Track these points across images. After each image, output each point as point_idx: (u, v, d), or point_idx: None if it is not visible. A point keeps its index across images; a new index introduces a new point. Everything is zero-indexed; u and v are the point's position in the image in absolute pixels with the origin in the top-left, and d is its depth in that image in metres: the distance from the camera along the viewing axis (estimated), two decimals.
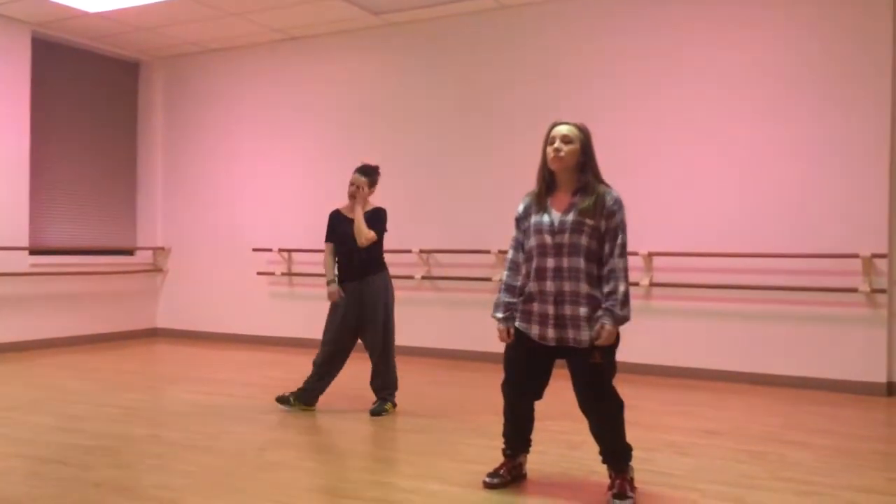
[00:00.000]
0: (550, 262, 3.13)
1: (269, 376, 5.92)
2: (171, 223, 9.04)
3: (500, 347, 6.92)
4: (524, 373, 3.31)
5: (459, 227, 7.19)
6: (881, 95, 5.68)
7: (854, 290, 5.66)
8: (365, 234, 4.80)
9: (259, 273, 8.25)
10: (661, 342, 6.38)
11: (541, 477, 3.48)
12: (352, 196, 4.92)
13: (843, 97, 5.80)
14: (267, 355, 7.35)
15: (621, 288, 3.13)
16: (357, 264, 4.87)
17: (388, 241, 7.51)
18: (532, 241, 3.21)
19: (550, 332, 3.17)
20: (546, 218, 3.19)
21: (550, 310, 3.15)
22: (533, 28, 6.97)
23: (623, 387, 5.78)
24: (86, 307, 8.24)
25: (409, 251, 7.34)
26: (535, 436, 3.86)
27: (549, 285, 3.14)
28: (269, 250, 8.19)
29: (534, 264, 3.18)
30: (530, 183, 6.89)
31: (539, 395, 3.36)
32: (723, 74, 6.21)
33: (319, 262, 7.92)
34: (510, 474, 3.35)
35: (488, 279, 7.02)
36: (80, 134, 8.47)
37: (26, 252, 7.68)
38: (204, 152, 8.83)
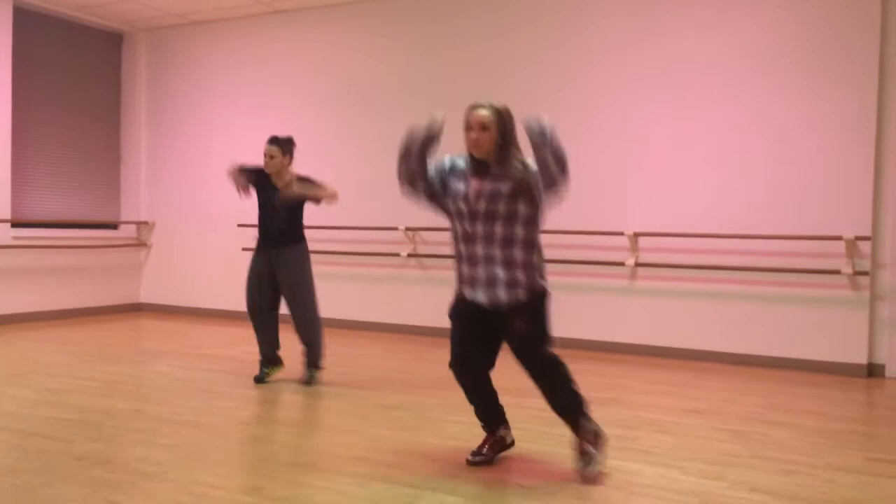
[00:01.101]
0: (474, 228, 3.16)
1: (252, 352, 5.89)
2: (155, 197, 8.96)
3: None
4: (467, 344, 3.30)
5: None
6: (866, 75, 5.68)
7: (837, 272, 5.70)
8: (330, 191, 4.90)
9: (244, 249, 8.18)
10: (646, 322, 6.42)
11: (518, 454, 3.49)
12: (267, 166, 4.96)
13: (827, 77, 5.81)
14: (250, 331, 7.31)
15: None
16: (275, 231, 4.98)
17: (375, 219, 7.55)
18: (453, 206, 3.24)
19: (480, 295, 3.18)
20: (462, 186, 3.23)
21: (480, 272, 3.17)
22: (532, 10, 6.92)
23: (607, 366, 5.87)
24: (69, 281, 8.18)
25: (395, 228, 7.32)
26: (517, 412, 3.88)
27: (475, 249, 3.17)
28: (254, 226, 8.12)
29: (459, 228, 3.22)
30: None
31: (490, 366, 3.34)
32: (705, 56, 6.19)
33: (325, 239, 7.91)
34: (493, 450, 3.37)
35: None
36: (63, 106, 8.35)
37: (8, 224, 7.59)
38: (188, 125, 8.74)
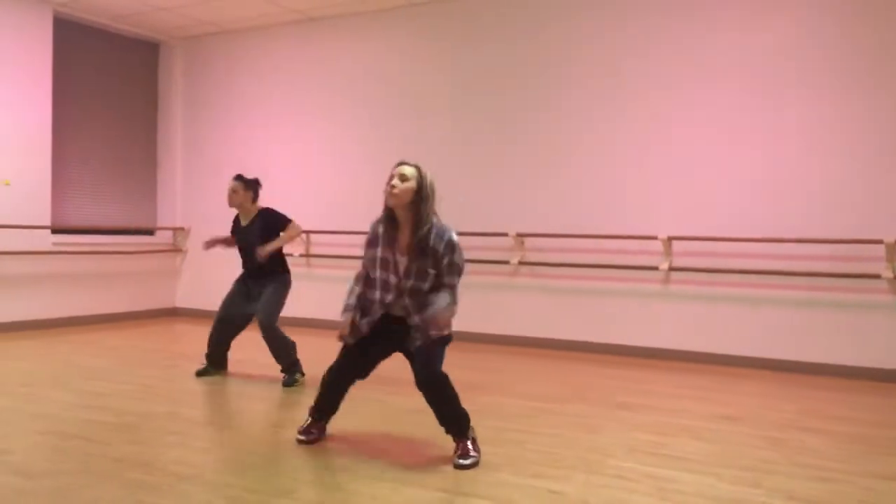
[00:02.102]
0: (390, 297, 3.52)
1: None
2: (190, 203, 9.10)
3: (520, 331, 6.92)
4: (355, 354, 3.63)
5: (477, 209, 7.17)
6: None
7: (877, 277, 5.59)
8: (293, 234, 5.30)
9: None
10: (679, 327, 6.35)
11: (553, 460, 3.48)
12: (230, 200, 5.36)
13: (864, 79, 5.70)
14: None
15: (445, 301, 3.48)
16: (256, 268, 5.27)
17: None
18: (378, 274, 3.55)
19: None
20: (390, 257, 3.53)
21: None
22: (560, 11, 6.90)
23: (640, 371, 5.82)
24: (106, 286, 8.33)
25: None
26: (550, 419, 3.88)
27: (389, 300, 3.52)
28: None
29: (378, 286, 3.56)
30: (552, 169, 6.88)
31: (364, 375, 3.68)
32: (740, 59, 6.12)
33: (338, 243, 7.99)
34: (320, 432, 3.76)
35: (506, 262, 7.01)
36: (101, 114, 8.53)
37: (48, 231, 7.76)
38: (223, 133, 8.86)
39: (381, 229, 3.56)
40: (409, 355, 3.55)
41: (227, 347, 5.41)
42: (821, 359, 5.81)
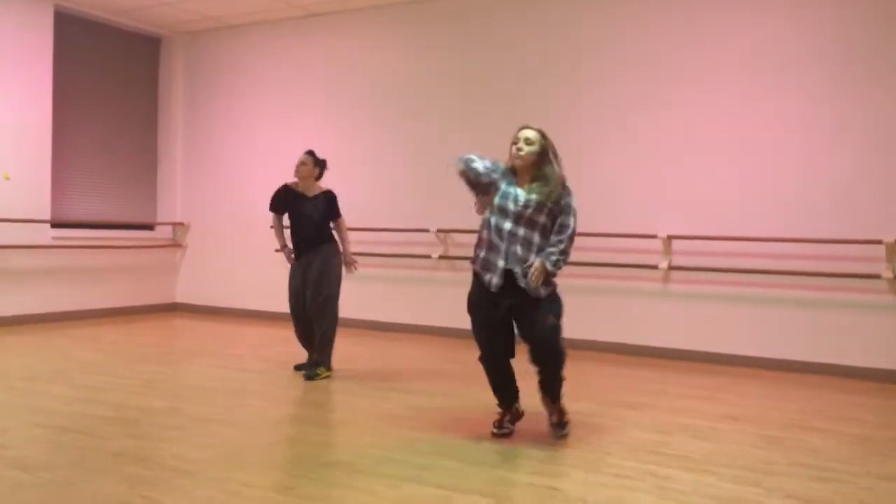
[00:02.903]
0: (508, 226, 3.61)
1: (285, 352, 5.95)
2: (190, 199, 9.09)
3: (515, 328, 6.88)
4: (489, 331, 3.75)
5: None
6: None
7: (877, 277, 5.58)
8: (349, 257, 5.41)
9: (277, 250, 8.27)
10: (680, 326, 6.34)
11: (553, 458, 3.47)
12: (298, 171, 5.38)
13: (865, 79, 5.69)
14: (283, 332, 7.37)
15: (562, 245, 3.71)
16: (307, 238, 5.28)
17: (406, 221, 7.56)
18: (499, 202, 3.66)
19: (496, 280, 3.60)
20: (513, 191, 3.67)
21: (500, 263, 3.61)
22: (563, 10, 6.89)
23: (640, 370, 5.81)
24: (106, 281, 8.32)
25: (426, 230, 7.34)
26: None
27: (504, 245, 3.60)
28: (287, 227, 8.20)
29: (493, 222, 3.65)
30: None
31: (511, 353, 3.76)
32: (740, 59, 6.11)
33: None
34: (513, 422, 3.85)
35: None
36: (102, 109, 8.51)
37: (48, 225, 7.75)
38: (223, 128, 8.85)
39: (503, 183, 3.69)
40: (519, 315, 3.63)
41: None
42: (823, 359, 5.80)
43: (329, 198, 5.39)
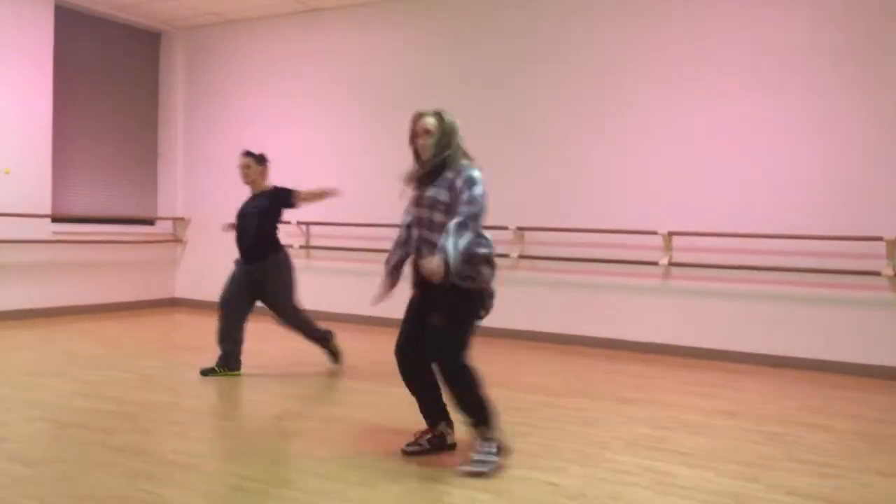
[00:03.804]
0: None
1: (284, 347, 5.96)
2: (191, 194, 9.08)
3: (520, 324, 6.88)
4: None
5: None
6: None
7: (877, 274, 5.58)
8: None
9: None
10: (679, 322, 6.34)
11: (552, 453, 3.48)
12: (244, 177, 5.23)
13: (866, 76, 5.68)
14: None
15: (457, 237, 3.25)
16: (248, 246, 5.09)
17: (397, 217, 7.54)
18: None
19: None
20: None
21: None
22: (561, 3, 6.88)
23: (639, 366, 5.82)
24: (106, 276, 8.32)
25: None
26: (549, 412, 3.86)
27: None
28: (288, 223, 8.18)
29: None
30: (552, 162, 6.84)
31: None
32: (742, 54, 6.09)
33: (337, 235, 7.97)
34: (432, 444, 3.35)
35: (506, 255, 7.00)
36: (102, 104, 8.50)
37: (49, 220, 7.75)
38: (224, 123, 8.84)
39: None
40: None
41: (240, 341, 5.08)
42: (823, 356, 5.80)
43: (272, 192, 5.18)
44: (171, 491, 2.87)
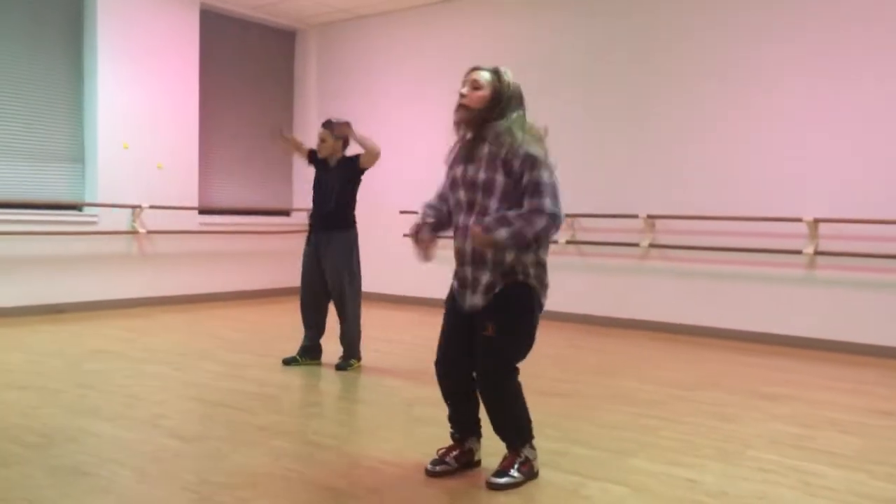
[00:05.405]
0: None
1: (416, 335, 6.09)
2: None
3: (651, 315, 6.72)
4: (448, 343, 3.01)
5: (605, 191, 7.02)
6: None
7: None
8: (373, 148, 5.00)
9: (405, 235, 8.42)
10: (826, 314, 5.98)
11: (689, 448, 3.37)
12: (319, 150, 5.15)
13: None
14: (413, 315, 7.55)
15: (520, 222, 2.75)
16: (325, 215, 5.00)
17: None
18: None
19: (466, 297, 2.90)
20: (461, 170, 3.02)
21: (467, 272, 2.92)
22: None
23: (781, 360, 5.55)
24: (247, 264, 8.78)
25: None
26: (683, 406, 3.74)
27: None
28: (416, 213, 8.35)
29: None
30: (686, 148, 6.60)
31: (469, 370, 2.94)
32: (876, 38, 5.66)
33: None
34: (457, 461, 3.00)
35: (635, 244, 6.84)
36: (242, 101, 8.96)
37: (196, 212, 8.27)
38: (355, 116, 9.01)
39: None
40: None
41: (321, 329, 5.06)
42: None
43: (346, 160, 5.08)
44: (313, 469, 3.00)
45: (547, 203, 2.75)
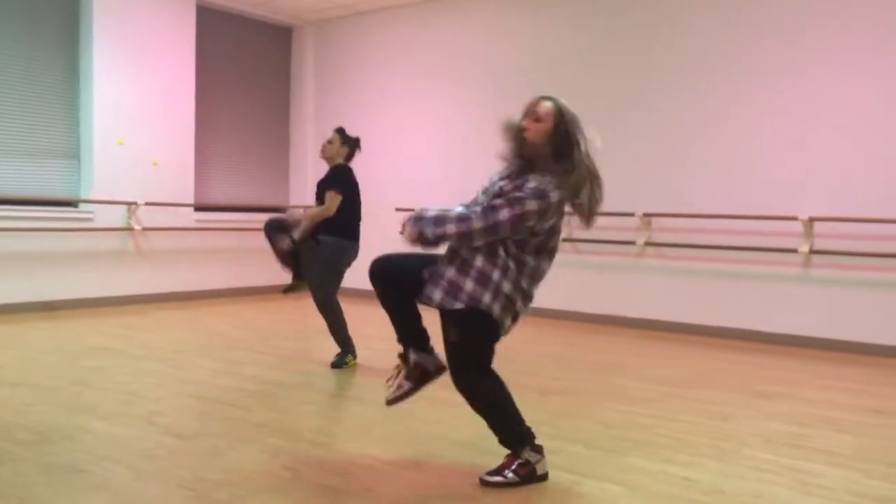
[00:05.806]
0: None
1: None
2: None
3: (646, 313, 6.73)
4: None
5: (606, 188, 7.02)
6: None
7: None
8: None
9: (401, 233, 8.43)
10: (821, 313, 6.00)
11: (685, 447, 3.38)
12: (323, 150, 5.32)
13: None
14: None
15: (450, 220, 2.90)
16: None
17: None
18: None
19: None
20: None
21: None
22: None
23: (776, 359, 5.55)
24: (243, 261, 8.76)
25: None
26: (678, 404, 3.74)
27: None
28: (412, 210, 8.35)
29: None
30: (682, 146, 6.61)
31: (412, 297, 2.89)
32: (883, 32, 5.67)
33: None
34: (409, 379, 2.97)
35: (632, 243, 6.84)
36: (238, 98, 8.94)
37: (192, 208, 8.25)
38: (353, 113, 9.08)
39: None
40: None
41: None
42: None
43: (331, 171, 5.11)
44: (310, 468, 2.99)
45: (497, 212, 2.78)
